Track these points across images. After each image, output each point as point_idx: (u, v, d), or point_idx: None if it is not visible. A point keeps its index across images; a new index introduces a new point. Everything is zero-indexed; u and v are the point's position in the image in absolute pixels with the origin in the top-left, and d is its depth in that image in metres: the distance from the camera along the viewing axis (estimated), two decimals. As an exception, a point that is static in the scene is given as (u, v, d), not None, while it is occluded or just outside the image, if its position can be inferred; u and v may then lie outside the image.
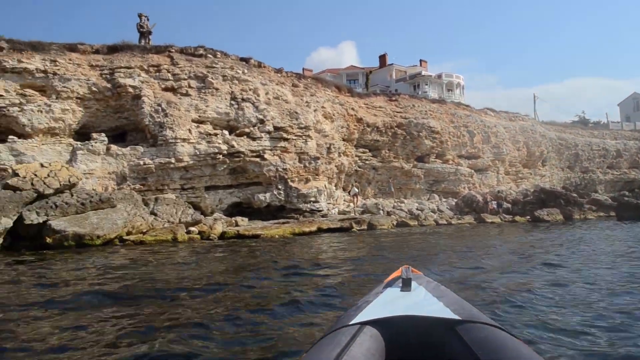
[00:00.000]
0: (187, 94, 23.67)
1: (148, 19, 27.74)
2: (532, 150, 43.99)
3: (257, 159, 23.97)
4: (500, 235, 19.95)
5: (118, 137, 23.36)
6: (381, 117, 33.66)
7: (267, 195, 24.40)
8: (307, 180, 25.60)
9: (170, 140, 21.92)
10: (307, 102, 27.97)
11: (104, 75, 22.50)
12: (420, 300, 2.66)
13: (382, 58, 57.34)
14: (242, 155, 23.49)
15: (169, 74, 23.79)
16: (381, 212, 27.40)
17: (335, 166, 28.51)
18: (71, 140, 21.52)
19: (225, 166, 23.37)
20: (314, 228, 21.20)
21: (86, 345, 5.19)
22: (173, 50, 25.11)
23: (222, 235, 19.09)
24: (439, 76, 53.00)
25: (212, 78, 24.32)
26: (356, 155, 32.26)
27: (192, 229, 19.00)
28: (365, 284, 8.14)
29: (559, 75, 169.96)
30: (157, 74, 23.59)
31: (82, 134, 22.10)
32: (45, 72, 21.06)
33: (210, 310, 6.69)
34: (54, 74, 21.22)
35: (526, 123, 46.29)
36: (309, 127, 26.31)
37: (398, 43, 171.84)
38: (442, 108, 38.38)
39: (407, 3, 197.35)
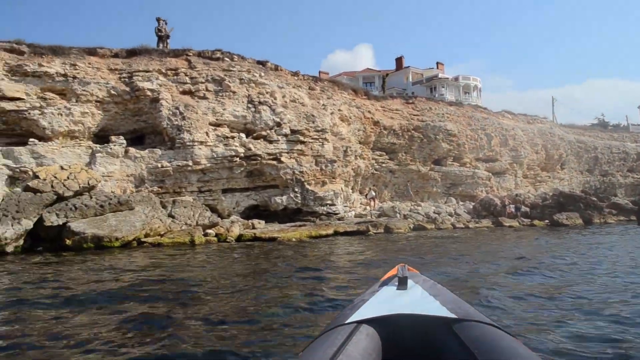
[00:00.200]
0: (204, 97, 23.81)
1: (166, 23, 28.00)
2: (551, 153, 43.52)
3: (274, 162, 24.01)
4: (519, 239, 19.73)
5: (136, 140, 23.58)
6: (398, 120, 33.54)
7: (284, 198, 24.43)
8: (324, 183, 25.59)
9: (188, 143, 22.05)
10: (323, 105, 27.98)
11: (122, 79, 22.72)
12: (416, 298, 2.65)
13: (399, 61, 57.17)
14: (259, 158, 23.56)
15: (187, 78, 23.95)
16: (398, 215, 27.27)
17: (352, 169, 28.46)
18: (90, 143, 21.74)
19: (242, 169, 23.45)
20: (330, 231, 21.18)
21: (103, 341, 5.30)
22: (191, 54, 25.28)
23: (239, 238, 19.16)
24: (456, 79, 52.70)
25: (229, 81, 24.44)
26: (373, 158, 32.18)
27: (209, 231, 19.08)
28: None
29: (578, 77, 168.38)
30: (175, 77, 23.77)
31: (101, 136, 22.32)
32: (65, 75, 21.32)
33: (225, 310, 6.73)
34: (74, 77, 21.47)
35: (544, 126, 45.81)
36: (325, 130, 26.30)
37: (414, 45, 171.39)
38: (459, 111, 38.12)
39: (423, 6, 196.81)
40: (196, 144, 22.20)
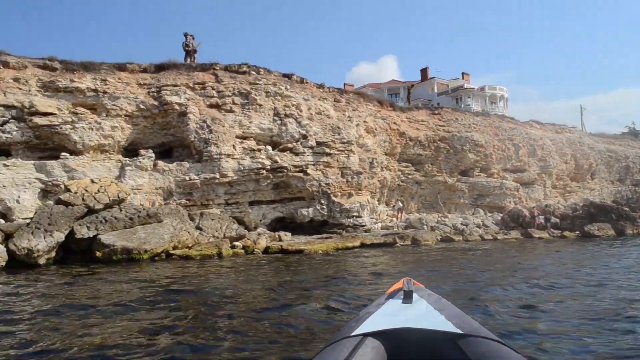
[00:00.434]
0: (231, 111, 24.05)
1: (193, 38, 28.42)
2: (581, 163, 42.79)
3: (300, 174, 24.09)
4: (553, 252, 19.41)
5: (165, 153, 23.92)
6: (424, 130, 33.39)
7: (310, 210, 24.45)
8: (350, 195, 25.56)
9: (215, 156, 22.27)
10: (349, 117, 28.02)
11: (151, 93, 23.11)
12: (422, 312, 2.66)
13: (424, 72, 57.06)
14: (285, 171, 23.66)
15: (214, 91, 24.25)
16: (425, 227, 27.06)
17: (378, 181, 28.38)
18: (120, 156, 22.12)
19: (268, 181, 23.57)
20: (357, 243, 21.10)
21: (127, 351, 5.46)
22: (217, 68, 25.61)
23: (266, 250, 19.19)
24: (482, 89, 52.38)
25: (255, 94, 24.66)
26: (399, 170, 32.04)
27: (236, 243, 19.16)
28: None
29: (608, 86, 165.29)
30: (202, 91, 24.08)
31: (131, 150, 22.70)
32: (95, 90, 21.79)
33: (252, 322, 6.77)
34: (104, 92, 21.92)
35: (573, 135, 45.13)
36: (351, 141, 26.32)
37: (439, 57, 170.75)
38: (486, 121, 37.78)
39: (447, 17, 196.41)
40: (223, 156, 22.41)
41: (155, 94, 23.12)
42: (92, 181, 19.12)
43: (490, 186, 34.91)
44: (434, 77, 55.52)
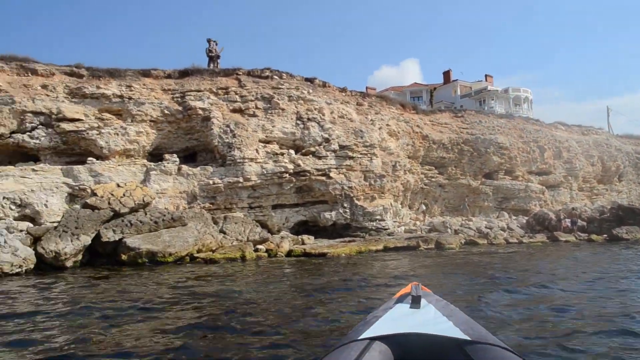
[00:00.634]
0: (254, 115, 24.20)
1: (217, 44, 28.70)
2: (608, 165, 42.02)
3: (323, 178, 24.11)
4: (584, 255, 19.10)
5: (189, 157, 24.18)
6: (447, 133, 33.17)
7: (333, 213, 24.46)
8: (373, 199, 25.50)
9: (239, 160, 22.42)
10: (371, 120, 27.98)
11: (175, 99, 23.38)
12: (430, 318, 2.65)
13: (446, 74, 56.68)
14: (308, 174, 23.70)
15: (237, 96, 24.42)
16: (449, 230, 26.84)
17: (401, 184, 28.27)
18: (145, 161, 22.41)
19: (291, 185, 23.64)
20: (380, 247, 21.01)
21: (147, 351, 5.51)
22: (240, 73, 25.79)
23: (289, 254, 19.25)
24: (506, 90, 51.80)
25: (278, 99, 24.78)
26: (422, 173, 31.85)
27: (259, 247, 19.26)
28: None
29: (635, 86, 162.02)
30: (226, 96, 24.28)
31: (155, 155, 22.99)
32: (121, 96, 22.13)
33: (273, 325, 6.79)
34: (129, 98, 22.25)
35: (600, 137, 44.36)
36: (374, 145, 26.27)
37: (462, 59, 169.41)
38: (510, 123, 37.34)
39: (469, 19, 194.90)
40: (246, 160, 22.55)
41: (179, 99, 23.38)
42: (118, 185, 19.41)
43: (515, 189, 34.50)
44: (456, 80, 55.12)
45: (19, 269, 13.92)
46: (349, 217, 24.69)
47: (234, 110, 24.14)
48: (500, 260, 17.17)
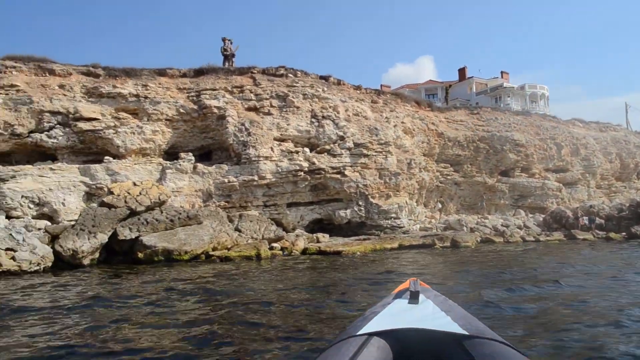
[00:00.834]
0: (269, 113, 24.25)
1: (231, 43, 28.82)
2: (626, 162, 41.46)
3: (338, 176, 24.08)
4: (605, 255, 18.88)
5: (204, 156, 24.30)
6: (462, 131, 32.95)
7: (348, 211, 24.43)
8: (388, 197, 25.42)
9: (254, 159, 22.48)
10: (386, 117, 27.89)
11: (190, 97, 23.51)
12: (428, 313, 2.65)
13: (462, 71, 56.30)
14: (323, 172, 23.69)
15: (252, 94, 24.49)
16: (464, 228, 26.67)
17: (416, 182, 28.14)
18: (161, 159, 22.57)
19: (306, 183, 23.65)
20: (395, 245, 20.95)
21: (161, 350, 5.56)
22: (255, 71, 25.86)
23: (304, 252, 19.28)
24: (522, 87, 51.36)
25: (292, 97, 24.80)
26: (437, 171, 31.67)
27: (274, 245, 19.31)
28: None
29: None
30: (241, 94, 24.35)
31: (171, 153, 23.15)
32: (137, 96, 22.29)
33: (288, 323, 6.81)
34: (145, 97, 22.41)
35: (618, 133, 43.79)
36: (389, 142, 26.18)
37: (477, 56, 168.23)
38: (527, 120, 37.01)
39: (484, 15, 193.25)
40: (261, 159, 22.60)
41: (194, 98, 23.50)
42: (134, 184, 19.57)
43: (531, 186, 34.19)
44: (472, 77, 54.74)
45: (37, 267, 14.09)
46: (363, 215, 24.65)
47: (249, 109, 24.21)
48: (519, 258, 17.04)
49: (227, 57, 28.24)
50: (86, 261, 15.41)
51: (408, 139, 28.79)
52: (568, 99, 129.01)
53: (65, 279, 12.49)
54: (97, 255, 16.06)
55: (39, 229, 16.69)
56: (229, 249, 17.99)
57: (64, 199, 19.39)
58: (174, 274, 13.21)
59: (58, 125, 21.06)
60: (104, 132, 21.40)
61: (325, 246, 19.87)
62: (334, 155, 24.37)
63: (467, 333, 2.28)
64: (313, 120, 24.86)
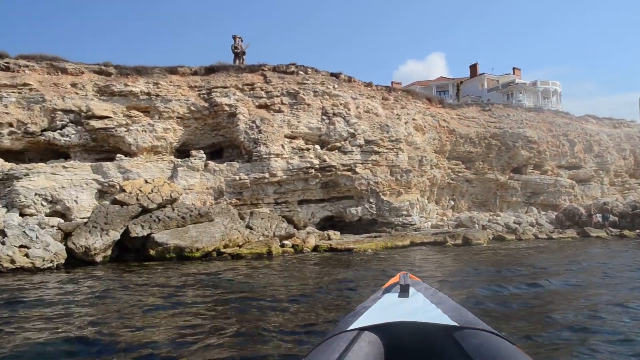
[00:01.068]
0: (279, 111, 24.24)
1: (242, 40, 28.83)
2: (640, 159, 41.08)
3: (349, 173, 24.05)
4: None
5: (215, 153, 24.36)
6: (474, 127, 32.78)
7: (359, 209, 24.39)
8: (399, 194, 25.35)
9: (265, 156, 22.49)
10: (397, 114, 27.81)
11: (201, 95, 23.56)
12: (418, 306, 2.65)
13: (473, 68, 55.95)
14: (334, 169, 23.66)
15: (263, 92, 24.50)
16: (476, 225, 26.54)
17: (428, 179, 28.04)
18: (172, 157, 22.63)
19: (317, 180, 23.64)
20: (406, 242, 20.89)
21: (169, 342, 5.63)
22: (266, 69, 25.87)
23: (315, 249, 19.28)
24: (534, 84, 50.93)
25: (303, 94, 24.78)
26: (449, 168, 31.53)
27: (285, 242, 19.31)
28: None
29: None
30: (251, 92, 24.37)
31: (182, 151, 23.22)
32: (148, 94, 22.38)
33: (297, 318, 6.81)
34: (157, 95, 22.49)
35: (632, 130, 43.38)
36: (400, 139, 26.10)
37: (488, 52, 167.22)
38: (539, 117, 36.77)
39: (496, 12, 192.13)
40: (272, 156, 22.61)
41: (205, 95, 23.55)
42: (146, 181, 19.65)
43: (544, 183, 33.95)
44: (483, 73, 54.39)
45: (50, 264, 14.20)
46: (375, 212, 24.60)
47: (260, 106, 24.22)
48: (533, 255, 16.94)
49: (238, 54, 28.27)
50: (98, 258, 15.50)
51: (419, 135, 28.70)
52: (581, 95, 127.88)
53: (77, 275, 12.58)
54: (109, 252, 16.14)
55: (52, 227, 16.82)
56: (240, 246, 18.03)
57: (77, 197, 19.50)
58: (186, 270, 13.26)
59: (70, 124, 21.19)
60: (116, 130, 21.50)
61: (337, 243, 19.86)
62: (345, 153, 24.33)
63: (457, 324, 2.28)
64: (324, 117, 24.83)
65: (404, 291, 2.88)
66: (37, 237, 14.77)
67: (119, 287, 10.28)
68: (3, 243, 14.01)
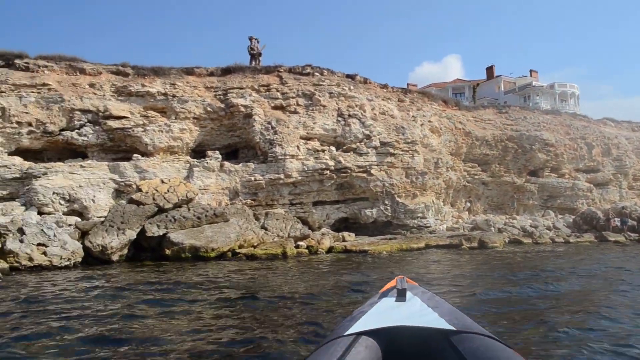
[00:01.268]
0: (295, 112, 24.28)
1: (258, 42, 28.95)
2: (660, 163, 40.50)
3: (364, 175, 24.00)
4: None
5: (231, 154, 24.47)
6: (490, 130, 32.56)
7: (374, 210, 24.33)
8: (415, 196, 25.25)
9: (280, 157, 22.54)
10: (413, 116, 27.71)
11: (218, 96, 23.67)
12: (415, 310, 2.65)
13: (489, 70, 55.57)
14: (349, 171, 23.63)
15: (278, 93, 24.56)
16: (492, 228, 26.34)
17: (443, 181, 27.89)
18: (188, 157, 22.77)
19: (332, 182, 23.62)
20: (421, 244, 20.77)
21: (182, 341, 5.64)
22: (282, 70, 25.92)
23: (330, 250, 19.24)
24: (551, 86, 50.47)
25: (319, 95, 24.79)
26: (465, 170, 31.35)
27: (300, 243, 19.30)
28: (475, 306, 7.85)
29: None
30: (267, 93, 24.44)
31: (198, 151, 23.35)
32: (165, 94, 22.54)
33: (309, 319, 6.81)
34: (173, 96, 22.64)
35: (652, 133, 42.82)
36: (415, 141, 26.00)
37: (505, 54, 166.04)
38: (556, 119, 36.43)
39: (513, 13, 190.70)
40: (288, 157, 22.64)
41: (221, 96, 23.66)
42: (162, 181, 19.78)
43: (561, 187, 33.62)
44: (500, 76, 53.99)
45: (68, 262, 14.33)
46: (389, 214, 24.52)
47: (276, 107, 24.28)
48: (552, 259, 16.78)
49: (254, 55, 28.39)
50: (115, 257, 15.61)
51: (435, 138, 28.57)
52: (599, 98, 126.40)
53: (94, 273, 12.68)
54: (125, 251, 16.25)
55: (70, 225, 16.98)
56: (255, 247, 18.06)
57: (94, 196, 19.69)
58: (200, 270, 13.31)
59: (88, 124, 21.41)
60: (133, 130, 21.68)
61: (351, 245, 19.81)
62: (360, 154, 24.29)
63: (454, 328, 2.29)
64: (339, 118, 24.82)
65: (401, 295, 2.89)
66: (54, 236, 14.92)
67: (134, 285, 10.34)
68: (22, 241, 14.17)
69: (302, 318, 6.95)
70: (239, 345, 5.60)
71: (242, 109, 23.26)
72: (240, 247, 17.74)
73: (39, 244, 14.37)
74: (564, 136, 34.77)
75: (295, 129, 23.66)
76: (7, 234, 14.31)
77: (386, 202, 24.46)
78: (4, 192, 19.38)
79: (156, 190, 18.68)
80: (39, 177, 19.16)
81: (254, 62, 27.95)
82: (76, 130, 21.27)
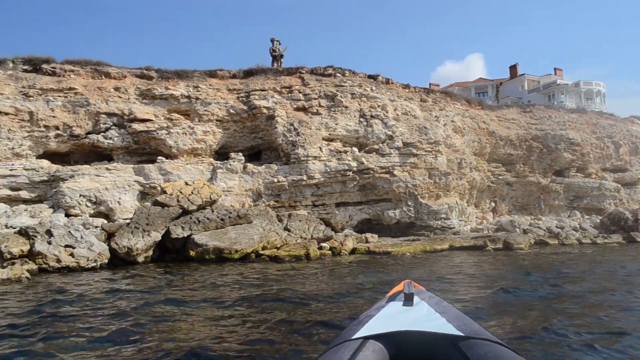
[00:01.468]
0: (317, 113, 24.32)
1: (280, 43, 29.09)
2: (690, 162, 39.61)
3: (387, 175, 23.91)
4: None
5: (254, 156, 24.60)
6: (514, 129, 32.20)
7: (397, 211, 24.22)
8: (438, 197, 25.07)
9: (302, 158, 22.58)
10: (436, 116, 27.54)
11: (240, 98, 23.83)
12: (422, 315, 2.65)
13: (513, 68, 54.91)
14: (372, 172, 23.57)
15: (300, 94, 24.62)
16: (517, 229, 26.02)
17: (467, 182, 27.64)
18: (212, 159, 22.95)
19: (355, 183, 23.59)
20: (445, 246, 20.61)
21: (223, 335, 5.66)
22: (304, 72, 25.99)
23: (353, 252, 19.20)
24: (577, 84, 49.68)
25: (341, 96, 24.79)
26: (488, 170, 31.04)
27: (323, 244, 19.30)
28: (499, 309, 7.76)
29: None
30: (289, 94, 24.52)
31: (222, 153, 23.52)
32: (189, 97, 22.77)
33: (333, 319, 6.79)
34: (197, 98, 22.86)
35: (681, 131, 41.91)
36: (438, 142, 25.82)
37: (529, 52, 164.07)
38: (582, 118, 35.87)
39: (536, 10, 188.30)
40: (310, 158, 22.68)
41: (244, 98, 23.81)
42: (186, 183, 19.93)
43: (587, 187, 33.08)
44: (524, 74, 53.31)
45: (94, 264, 14.51)
46: (413, 215, 24.39)
47: (298, 109, 24.36)
48: (578, 261, 16.53)
49: (276, 57, 28.52)
50: (140, 258, 15.78)
51: (458, 138, 28.34)
52: (625, 96, 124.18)
53: (120, 274, 12.84)
54: (150, 252, 16.41)
55: (96, 227, 17.22)
56: (278, 248, 18.09)
57: (120, 198, 19.96)
58: (224, 271, 13.39)
59: (113, 127, 21.73)
60: (157, 133, 21.94)
61: (374, 246, 19.75)
62: (383, 155, 24.21)
63: (462, 334, 2.29)
64: (361, 119, 24.79)
65: (408, 300, 2.89)
66: (81, 237, 15.12)
67: (159, 286, 10.46)
68: (50, 243, 14.39)
69: (323, 318, 6.96)
70: (261, 343, 5.66)
71: (265, 110, 23.36)
72: (264, 248, 17.79)
73: (66, 246, 14.57)
74: (590, 135, 34.24)
75: (318, 130, 23.69)
76: (35, 236, 14.54)
77: (409, 203, 24.33)
78: (33, 195, 19.75)
79: (180, 192, 18.84)
80: (66, 179, 19.49)
81: (275, 64, 28.09)
82: (102, 134, 21.59)
